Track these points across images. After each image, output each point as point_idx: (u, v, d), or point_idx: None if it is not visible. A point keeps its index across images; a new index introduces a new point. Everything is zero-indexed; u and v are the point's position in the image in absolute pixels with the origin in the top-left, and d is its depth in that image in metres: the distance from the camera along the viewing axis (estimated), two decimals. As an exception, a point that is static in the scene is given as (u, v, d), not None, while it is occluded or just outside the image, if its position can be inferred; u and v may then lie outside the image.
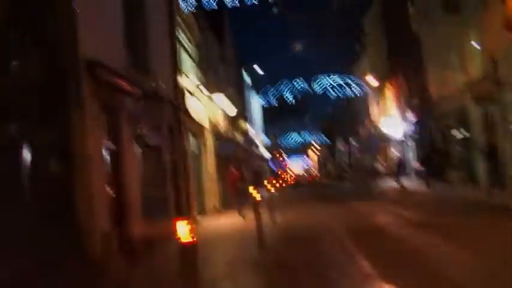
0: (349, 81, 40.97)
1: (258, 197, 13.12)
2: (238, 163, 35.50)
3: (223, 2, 15.68)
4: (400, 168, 27.87)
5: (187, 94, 18.10)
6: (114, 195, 10.10)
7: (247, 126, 31.54)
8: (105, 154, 9.87)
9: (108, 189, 9.74)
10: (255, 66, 48.08)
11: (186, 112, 17.24)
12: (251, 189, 13.23)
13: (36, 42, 8.33)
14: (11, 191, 7.09)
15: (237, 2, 15.34)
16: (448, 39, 24.30)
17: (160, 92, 12.13)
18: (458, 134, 25.22)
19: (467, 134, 23.74)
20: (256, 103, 53.16)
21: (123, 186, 10.50)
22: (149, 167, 12.55)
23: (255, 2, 15.31)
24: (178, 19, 18.50)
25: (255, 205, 13.17)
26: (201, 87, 21.13)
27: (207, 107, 22.85)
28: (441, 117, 26.98)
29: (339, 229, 12.95)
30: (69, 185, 8.49)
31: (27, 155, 7.48)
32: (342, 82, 40.57)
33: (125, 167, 10.60)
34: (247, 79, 50.40)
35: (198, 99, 20.41)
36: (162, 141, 13.14)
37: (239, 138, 35.09)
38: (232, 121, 30.39)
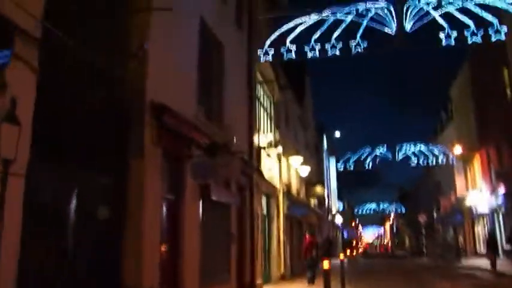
0: (434, 150, 38.73)
1: (327, 265, 12.18)
2: (312, 229, 34.02)
3: (303, 52, 14.68)
4: (491, 245, 24.41)
5: (262, 153, 17.28)
6: (168, 251, 9.17)
7: (322, 191, 30.22)
8: (164, 206, 9.05)
9: (162, 244, 8.83)
10: (336, 133, 47.18)
11: (260, 172, 16.36)
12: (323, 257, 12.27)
13: (103, 80, 7.80)
14: (53, 238, 6.37)
15: (317, 52, 14.41)
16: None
17: (232, 146, 11.34)
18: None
19: None
20: (333, 169, 51.75)
21: (179, 242, 9.56)
22: (213, 224, 11.59)
23: (337, 54, 14.24)
24: (258, 74, 18.05)
25: (325, 274, 12.20)
26: (279, 147, 20.31)
27: (282, 168, 21.91)
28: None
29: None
30: (118, 236, 7.67)
31: (77, 200, 6.77)
32: (426, 150, 38.34)
33: (184, 222, 9.70)
34: (325, 144, 49.36)
35: (273, 159, 19.54)
36: (230, 198, 12.21)
37: (313, 202, 33.70)
38: (307, 185, 29.23)
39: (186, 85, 10.46)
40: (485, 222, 35.93)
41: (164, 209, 9.15)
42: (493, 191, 32.36)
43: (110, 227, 7.62)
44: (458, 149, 36.38)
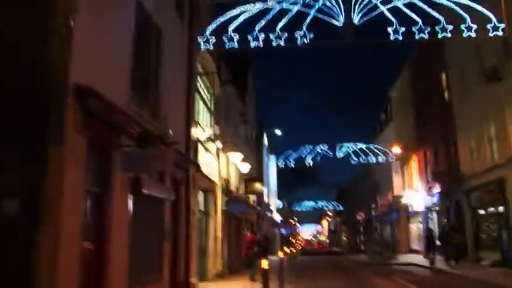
0: (373, 149, 39.21)
1: (266, 265, 11.74)
2: (251, 227, 33.59)
3: (246, 41, 14.09)
4: (430, 242, 24.80)
5: (200, 147, 16.59)
6: (91, 249, 8.37)
7: (261, 188, 29.85)
8: (88, 200, 8.25)
9: (84, 242, 8.03)
10: (277, 131, 47.00)
11: (197, 166, 15.67)
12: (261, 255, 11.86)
13: (23, 61, 6.94)
14: None
15: (260, 42, 13.86)
16: (485, 109, 22.77)
17: (168, 138, 10.60)
18: (493, 210, 23.19)
19: (503, 211, 21.71)
20: (273, 166, 51.65)
21: (105, 240, 8.77)
22: (144, 220, 10.83)
23: (282, 44, 13.75)
24: (199, 66, 17.33)
25: (264, 274, 11.76)
26: (218, 142, 19.67)
27: (221, 163, 21.30)
28: (472, 191, 24.98)
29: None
30: (31, 233, 6.82)
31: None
32: (365, 149, 38.74)
33: (111, 217, 8.91)
34: (266, 141, 49.11)
35: (212, 154, 18.89)
36: (163, 193, 11.45)
37: (252, 199, 33.28)
38: (247, 181, 28.75)
39: (118, 71, 9.64)
40: (420, 220, 36.73)
41: (88, 203, 8.33)
42: (429, 190, 33.06)
43: (23, 222, 6.77)
44: (396, 149, 36.98)
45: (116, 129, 9.07)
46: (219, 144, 19.63)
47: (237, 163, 24.92)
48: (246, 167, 24.77)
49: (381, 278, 19.75)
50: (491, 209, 23.33)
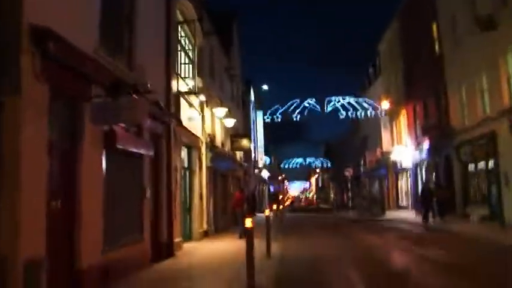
0: (362, 103, 38.46)
1: (249, 223, 10.87)
2: (239, 184, 33.08)
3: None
4: (425, 199, 23.63)
5: (182, 101, 15.73)
6: (60, 210, 7.64)
7: (248, 144, 29.14)
8: (53, 155, 7.45)
9: (51, 202, 7.28)
10: (264, 86, 46.05)
11: (178, 120, 14.85)
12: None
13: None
14: None
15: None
16: (477, 60, 22.02)
17: (144, 89, 9.71)
18: (483, 165, 22.76)
19: (493, 166, 21.29)
20: (260, 122, 50.92)
21: (75, 199, 8.04)
22: (120, 178, 10.08)
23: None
24: (178, 14, 16.27)
25: (248, 232, 10.92)
26: (201, 96, 18.78)
27: (206, 118, 20.49)
28: (462, 145, 24.51)
29: (344, 271, 10.43)
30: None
31: None
32: (354, 103, 37.96)
33: (82, 174, 8.14)
34: (253, 96, 48.21)
35: (195, 108, 18.06)
36: (141, 148, 10.65)
37: (239, 156, 32.66)
38: (233, 137, 27.99)
39: (84, 14, 8.64)
40: (408, 175, 36.47)
41: (55, 159, 7.54)
42: (418, 145, 32.63)
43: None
44: (385, 104, 36.31)
45: (83, 78, 8.19)
46: (202, 97, 18.75)
47: (222, 118, 24.12)
48: (231, 122, 23.98)
49: (372, 235, 19.40)
50: (482, 164, 22.89)
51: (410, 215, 29.80)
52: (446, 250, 13.58)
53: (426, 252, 13.22)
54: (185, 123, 16.09)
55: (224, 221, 24.09)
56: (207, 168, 19.95)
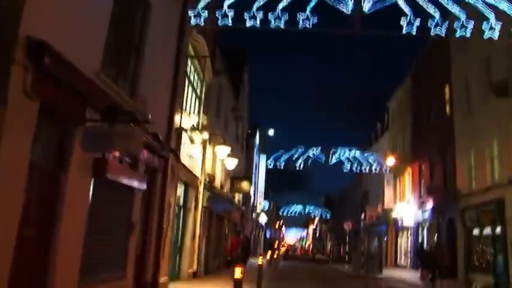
0: (368, 157, 37.96)
1: (239, 274, 10.19)
2: (236, 228, 32.27)
3: (242, 19, 12.70)
4: (429, 261, 22.93)
5: (184, 136, 15.26)
6: (34, 238, 7.00)
7: (248, 187, 28.51)
8: (34, 176, 6.86)
9: (24, 227, 6.64)
10: (270, 131, 45.75)
11: (177, 155, 14.32)
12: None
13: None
14: None
15: (258, 21, 12.51)
16: (489, 125, 21.61)
17: (143, 117, 9.19)
18: (488, 231, 21.96)
19: (500, 233, 20.51)
20: (262, 166, 50.30)
21: (53, 227, 7.42)
22: (108, 210, 9.47)
23: (281, 26, 12.39)
24: (190, 49, 15.99)
25: (236, 284, 10.22)
26: (205, 134, 18.31)
27: (207, 157, 19.97)
28: (467, 209, 23.80)
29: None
30: None
31: None
32: (360, 157, 37.45)
33: (64, 201, 7.54)
34: (258, 140, 47.82)
35: (197, 146, 17.57)
36: (134, 181, 10.06)
37: (238, 198, 31.95)
38: (233, 179, 27.39)
39: (90, 35, 8.24)
40: (409, 234, 35.57)
41: (35, 182, 6.95)
42: (421, 204, 31.91)
43: None
44: (391, 160, 35.77)
45: (79, 99, 7.71)
46: (205, 135, 18.26)
47: (224, 159, 23.58)
48: (232, 163, 23.40)
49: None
50: (487, 230, 22.08)
51: (408, 275, 28.74)
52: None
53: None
54: (185, 159, 15.56)
55: (216, 263, 23.23)
56: (203, 208, 19.27)
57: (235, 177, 27.80)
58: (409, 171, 36.00)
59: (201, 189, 18.84)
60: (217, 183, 23.50)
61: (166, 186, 12.91)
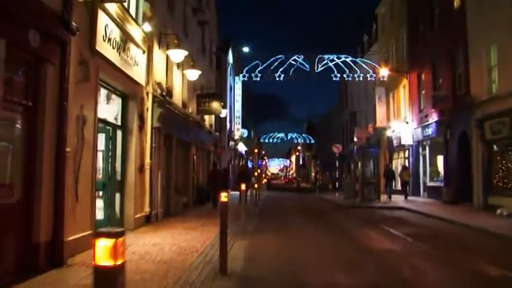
0: (360, 63, 32.87)
1: (225, 198, 6.08)
2: (208, 157, 27.94)
3: None
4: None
5: (109, 23, 10.20)
6: None
7: (219, 108, 23.55)
8: None
9: None
10: (245, 48, 40.03)
11: (92, 44, 9.30)
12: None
13: None
14: None
15: None
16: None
17: None
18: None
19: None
20: (238, 90, 45.15)
21: None
22: None
23: None
24: None
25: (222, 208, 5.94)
26: (146, 25, 13.21)
27: (157, 62, 15.00)
28: (487, 119, 19.38)
29: None
30: None
31: None
32: (351, 63, 32.25)
33: None
34: (231, 59, 42.50)
35: (137, 43, 12.53)
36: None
37: (209, 122, 27.15)
38: (200, 98, 22.38)
39: None
40: (406, 155, 31.44)
41: None
42: (421, 119, 27.53)
43: None
44: (385, 71, 30.96)
45: None
46: (147, 27, 13.14)
47: (181, 67, 18.61)
48: (194, 74, 18.36)
49: (376, 230, 14.19)
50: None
51: (409, 201, 24.77)
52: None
53: None
54: (114, 57, 10.58)
55: (181, 201, 18.76)
56: (154, 129, 14.42)
57: (202, 94, 22.79)
58: (404, 83, 31.30)
59: (148, 104, 13.92)
60: (177, 100, 18.60)
61: (68, 89, 7.95)
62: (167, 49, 16.00)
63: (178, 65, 18.77)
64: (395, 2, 34.26)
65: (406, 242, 11.79)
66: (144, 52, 13.25)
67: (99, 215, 11.19)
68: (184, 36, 19.97)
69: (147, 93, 13.83)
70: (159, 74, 15.54)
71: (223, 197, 7.42)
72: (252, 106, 67.22)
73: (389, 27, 35.88)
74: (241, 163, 26.95)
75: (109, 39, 10.18)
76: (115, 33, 10.62)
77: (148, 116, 13.91)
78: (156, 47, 14.90)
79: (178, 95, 19.18)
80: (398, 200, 25.73)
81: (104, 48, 9.87)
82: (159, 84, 15.08)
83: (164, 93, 15.72)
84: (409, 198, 26.55)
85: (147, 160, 13.79)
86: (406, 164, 30.01)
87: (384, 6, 37.87)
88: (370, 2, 38.59)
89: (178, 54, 15.30)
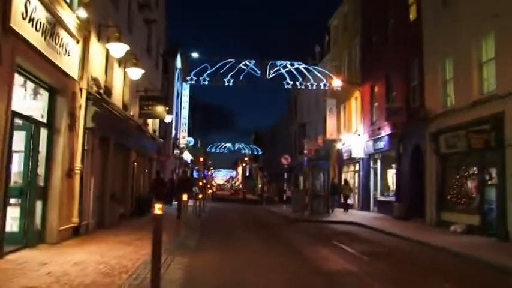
0: (314, 72, 32.04)
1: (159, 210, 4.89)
2: (151, 163, 26.36)
3: None
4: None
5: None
6: None
7: (164, 113, 21.97)
8: None
9: None
10: (194, 54, 38.35)
11: (4, 22, 7.77)
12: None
13: None
14: None
15: None
16: (481, 20, 16.32)
17: None
18: (475, 159, 17.03)
19: (493, 159, 15.63)
20: (186, 97, 43.53)
21: None
22: None
23: None
24: None
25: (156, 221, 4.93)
26: (80, 11, 11.69)
27: (94, 55, 13.45)
28: (442, 133, 18.81)
29: None
30: None
31: None
32: (304, 70, 31.33)
33: None
34: (179, 65, 40.95)
35: (70, 32, 11.00)
36: None
37: (152, 128, 25.53)
38: (143, 100, 20.79)
39: None
40: (356, 168, 30.81)
41: None
42: (373, 132, 26.93)
43: None
44: (337, 82, 30.27)
45: None
46: (82, 13, 11.60)
47: (127, 70, 17.07)
48: (137, 73, 16.82)
49: (329, 248, 13.11)
50: (473, 158, 17.18)
51: (360, 216, 23.98)
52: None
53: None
54: (37, 41, 9.04)
55: (118, 212, 17.10)
56: (88, 130, 12.81)
57: (146, 96, 21.20)
58: (356, 95, 30.74)
59: (82, 101, 12.32)
60: (117, 100, 17.01)
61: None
62: (108, 43, 14.43)
63: (120, 62, 17.25)
64: (349, 14, 33.86)
65: (362, 262, 10.78)
66: (78, 42, 11.70)
67: (14, 226, 9.56)
68: (128, 32, 18.43)
69: (81, 89, 12.24)
70: (97, 70, 13.96)
71: (157, 209, 6.05)
72: (199, 114, 65.68)
73: (342, 39, 35.41)
74: (181, 171, 25.47)
75: (31, 19, 8.64)
76: (40, 14, 9.08)
77: (81, 114, 12.31)
78: (94, 39, 13.34)
79: (119, 95, 17.60)
80: (337, 213, 25.18)
81: (23, 28, 8.33)
82: (95, 80, 13.50)
83: (101, 91, 14.14)
84: (359, 212, 25.86)
85: (78, 164, 12.16)
86: (349, 178, 29.58)
87: (337, 18, 37.45)
88: (323, 13, 37.97)
89: (119, 49, 13.75)
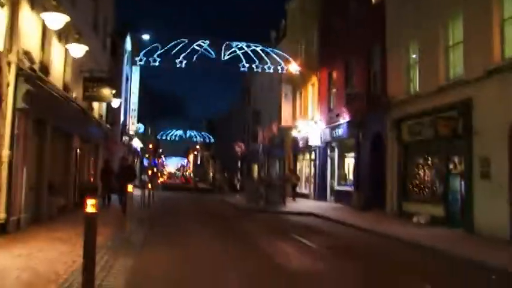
0: (272, 54, 30.84)
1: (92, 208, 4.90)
2: (97, 150, 24.66)
3: None
4: None
5: None
6: None
7: (111, 96, 20.25)
8: None
9: None
10: (145, 36, 36.28)
11: None
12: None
13: None
14: None
15: None
16: (449, 2, 15.58)
17: None
18: (440, 147, 16.35)
19: (461, 148, 14.96)
20: (136, 81, 41.52)
21: None
22: None
23: None
24: None
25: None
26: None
27: (24, 25, 11.78)
28: (405, 120, 18.10)
29: None
30: None
31: None
32: (261, 52, 30.09)
33: None
34: (129, 47, 38.92)
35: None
36: None
37: (98, 113, 23.75)
38: (88, 82, 19.03)
39: None
40: (312, 157, 29.95)
41: None
42: (331, 119, 26.09)
43: None
44: (295, 66, 29.20)
45: None
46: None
47: (68, 47, 15.34)
48: (79, 50, 15.14)
49: (282, 241, 12.13)
50: (438, 146, 16.49)
51: (317, 206, 23.14)
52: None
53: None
54: None
55: (56, 205, 15.47)
56: (18, 111, 11.16)
57: (91, 77, 19.43)
58: (313, 81, 29.79)
59: (10, 77, 10.66)
60: (57, 80, 15.29)
61: None
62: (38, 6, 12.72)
63: (60, 37, 15.51)
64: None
65: (325, 257, 9.89)
66: (2, 6, 10.05)
67: None
68: (71, 4, 16.64)
69: (9, 63, 10.59)
70: (30, 43, 12.27)
71: (90, 206, 4.71)
72: (150, 100, 63.39)
73: (300, 23, 34.27)
74: (121, 157, 23.66)
75: None
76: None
77: (9, 93, 10.66)
78: (26, 5, 11.66)
79: (59, 75, 15.88)
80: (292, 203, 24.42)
81: None
82: (27, 53, 11.81)
83: (36, 67, 12.46)
84: (315, 202, 25.05)
85: (5, 151, 10.54)
86: (305, 167, 28.89)
87: (294, 1, 36.28)
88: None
89: (56, 19, 12.12)
